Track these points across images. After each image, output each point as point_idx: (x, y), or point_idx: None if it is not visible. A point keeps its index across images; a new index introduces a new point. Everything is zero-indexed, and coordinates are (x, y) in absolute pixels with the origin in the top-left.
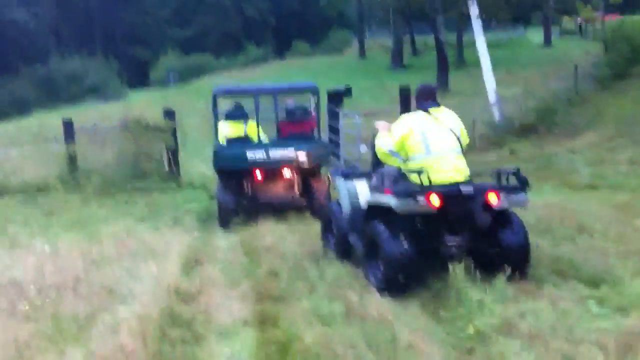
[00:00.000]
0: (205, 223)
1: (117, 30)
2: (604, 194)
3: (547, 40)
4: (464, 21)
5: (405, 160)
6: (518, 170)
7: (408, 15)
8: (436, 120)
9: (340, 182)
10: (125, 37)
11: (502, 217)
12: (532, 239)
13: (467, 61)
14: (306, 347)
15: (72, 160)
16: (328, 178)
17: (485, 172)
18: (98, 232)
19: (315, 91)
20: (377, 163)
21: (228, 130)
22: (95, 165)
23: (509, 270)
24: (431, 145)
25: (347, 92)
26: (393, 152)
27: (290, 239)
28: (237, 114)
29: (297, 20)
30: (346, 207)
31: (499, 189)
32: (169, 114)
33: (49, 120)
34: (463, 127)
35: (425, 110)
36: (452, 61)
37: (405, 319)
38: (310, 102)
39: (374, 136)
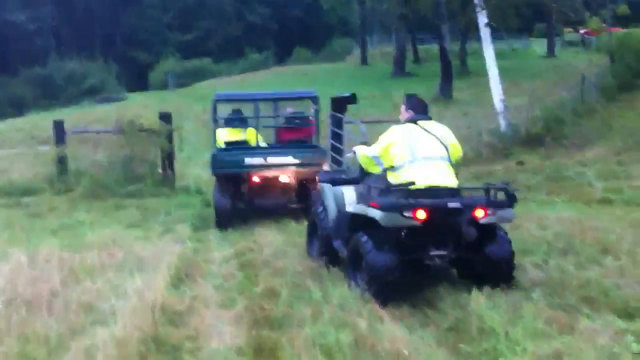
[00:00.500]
0: (199, 231)
1: (118, 33)
2: (619, 209)
3: (551, 51)
4: (472, 30)
5: (390, 168)
6: (507, 185)
7: (413, 23)
8: (424, 131)
9: (327, 187)
10: (126, 40)
11: (488, 231)
12: (555, 259)
13: (470, 70)
14: None
15: (61, 162)
16: None
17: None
18: (83, 239)
19: (315, 99)
20: (364, 171)
21: (227, 135)
22: (87, 168)
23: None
24: (417, 153)
25: (352, 98)
26: (377, 158)
27: (291, 252)
28: (236, 120)
29: (299, 26)
30: (332, 212)
31: (486, 204)
32: (165, 117)
33: (43, 121)
34: (455, 140)
35: (414, 122)
36: (456, 70)
37: (421, 353)
38: (309, 109)
39: (361, 143)
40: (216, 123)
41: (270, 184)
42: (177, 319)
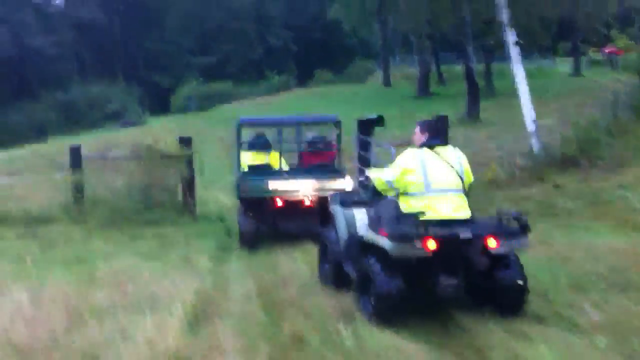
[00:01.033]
0: (219, 263)
1: (139, 57)
2: None
3: (577, 70)
4: (498, 49)
5: (403, 194)
6: (520, 214)
7: (438, 42)
8: (439, 157)
9: (337, 210)
10: (147, 64)
11: (501, 258)
12: (614, 297)
13: (496, 91)
14: None
15: (78, 189)
16: None
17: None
18: (95, 273)
19: (337, 123)
20: (375, 193)
21: (250, 158)
22: (104, 195)
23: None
24: (431, 183)
25: (379, 120)
26: (391, 184)
27: (318, 289)
28: (259, 144)
29: (320, 48)
30: (343, 235)
31: (498, 233)
32: (185, 141)
33: (66, 147)
34: (468, 166)
35: (430, 147)
36: (481, 90)
37: None
38: (332, 133)
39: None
40: (240, 147)
41: (293, 208)
42: None
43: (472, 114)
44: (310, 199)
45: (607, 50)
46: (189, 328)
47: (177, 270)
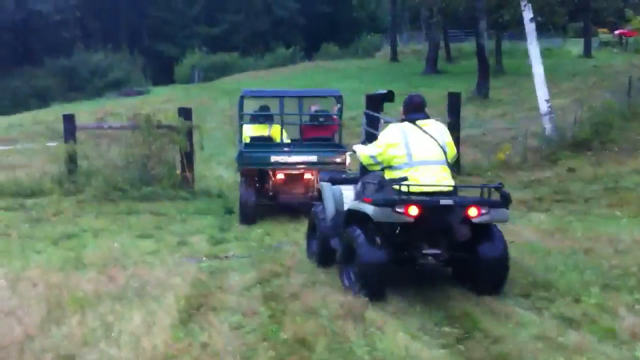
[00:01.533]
0: (218, 245)
1: (144, 25)
2: None
3: (587, 51)
4: (512, 25)
5: (387, 168)
6: (501, 185)
7: (449, 17)
8: (421, 131)
9: (326, 186)
10: (152, 32)
11: (484, 231)
12: None
13: (505, 69)
14: None
15: (71, 160)
16: None
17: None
18: (82, 253)
19: (339, 98)
20: (364, 170)
21: (252, 130)
22: (99, 167)
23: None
24: (414, 155)
25: (389, 96)
26: (375, 158)
27: (324, 282)
28: (262, 116)
29: (327, 22)
30: (330, 211)
31: (480, 203)
32: (185, 112)
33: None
34: (450, 139)
35: (412, 122)
36: (491, 69)
37: None
38: (333, 107)
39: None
40: (242, 119)
41: (293, 181)
42: None
43: (482, 92)
44: (310, 172)
45: (617, 32)
46: (180, 324)
47: (171, 252)
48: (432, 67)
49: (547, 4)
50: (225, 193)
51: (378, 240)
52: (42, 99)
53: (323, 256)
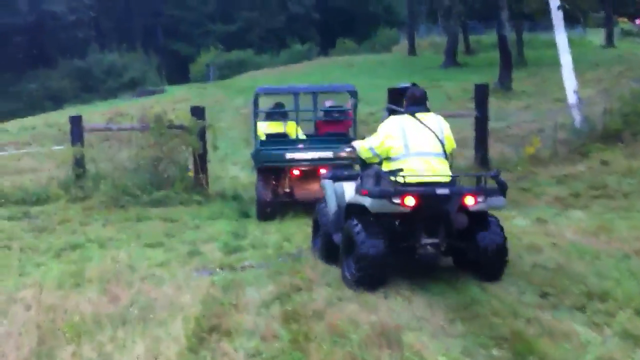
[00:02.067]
0: (233, 254)
1: (158, 24)
2: None
3: (610, 41)
4: (537, 15)
5: (385, 160)
6: (498, 173)
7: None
8: (420, 123)
9: (327, 183)
10: (167, 31)
11: (481, 220)
12: None
13: (526, 60)
14: None
15: (78, 164)
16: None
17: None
18: (86, 267)
19: (353, 93)
20: (364, 165)
21: (268, 127)
22: (108, 170)
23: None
24: (411, 147)
25: None
26: (373, 150)
27: (352, 296)
28: (277, 113)
29: (343, 16)
30: (332, 207)
31: (476, 191)
32: (198, 112)
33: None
34: (450, 133)
35: (412, 114)
36: (513, 60)
37: None
38: (347, 103)
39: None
40: (257, 117)
41: (309, 177)
42: None
43: (505, 84)
44: (325, 168)
45: (638, 21)
46: (190, 352)
47: (181, 263)
48: (451, 59)
49: None
50: (240, 195)
51: (377, 232)
52: (57, 101)
53: (327, 252)
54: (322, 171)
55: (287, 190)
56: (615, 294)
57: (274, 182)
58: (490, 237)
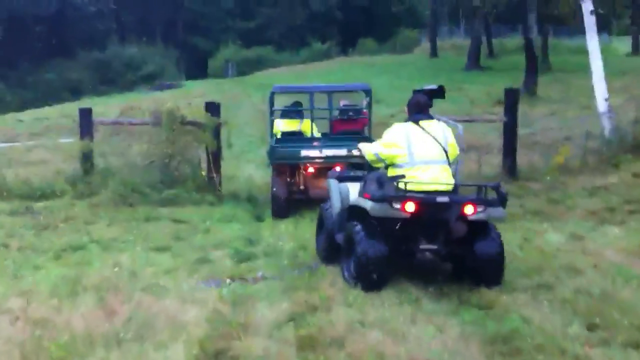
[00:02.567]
0: (244, 263)
1: (179, 18)
2: None
3: (636, 50)
4: (569, 19)
5: (390, 166)
6: (499, 185)
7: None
8: (424, 131)
9: (333, 184)
10: (187, 26)
11: (480, 229)
12: None
13: (552, 66)
14: None
15: (86, 158)
16: None
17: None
18: (85, 273)
19: (368, 92)
20: (370, 167)
21: (284, 125)
22: (117, 167)
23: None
24: (415, 155)
25: (440, 92)
26: (379, 156)
27: (376, 319)
28: (293, 111)
29: (365, 16)
30: (336, 207)
31: (476, 201)
32: (213, 108)
33: (96, 108)
34: (453, 140)
35: (416, 122)
36: (538, 65)
37: None
38: (362, 102)
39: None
40: (273, 114)
41: (323, 175)
42: None
43: (530, 90)
44: (340, 166)
45: None
46: None
47: (188, 272)
48: (474, 62)
49: None
50: (254, 196)
51: (377, 234)
52: (75, 92)
53: (329, 251)
54: (337, 169)
55: (302, 187)
56: None
57: (288, 180)
58: (489, 247)
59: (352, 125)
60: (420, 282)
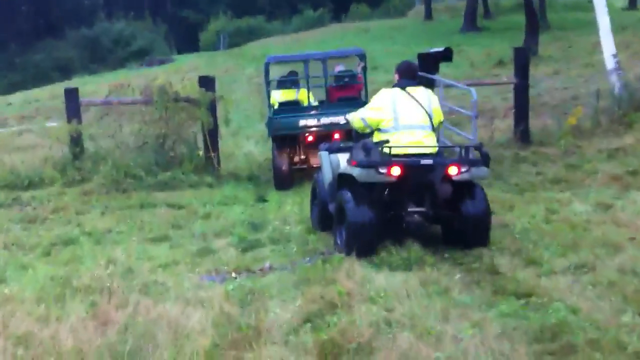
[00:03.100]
0: (249, 251)
1: None
2: None
3: (633, 4)
4: None
5: (376, 131)
6: (481, 145)
7: None
8: (410, 97)
9: (324, 155)
10: None
11: (466, 189)
12: None
13: (551, 24)
14: None
15: (75, 143)
16: None
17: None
18: (75, 271)
19: (362, 56)
20: (357, 136)
21: (281, 96)
22: (108, 150)
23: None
24: (400, 120)
25: (447, 54)
26: (365, 121)
27: (403, 319)
28: (289, 81)
29: None
30: (327, 178)
31: (460, 162)
32: (207, 82)
33: (86, 87)
34: (438, 106)
35: (403, 88)
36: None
37: None
38: (356, 66)
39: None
40: (269, 86)
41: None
42: None
43: (531, 49)
44: (339, 133)
45: None
46: None
47: (190, 265)
48: (470, 24)
49: None
50: (256, 174)
51: (366, 201)
52: (65, 72)
53: (322, 221)
54: (336, 136)
55: (303, 157)
56: None
57: (289, 150)
58: (475, 207)
59: (348, 92)
60: (445, 266)
